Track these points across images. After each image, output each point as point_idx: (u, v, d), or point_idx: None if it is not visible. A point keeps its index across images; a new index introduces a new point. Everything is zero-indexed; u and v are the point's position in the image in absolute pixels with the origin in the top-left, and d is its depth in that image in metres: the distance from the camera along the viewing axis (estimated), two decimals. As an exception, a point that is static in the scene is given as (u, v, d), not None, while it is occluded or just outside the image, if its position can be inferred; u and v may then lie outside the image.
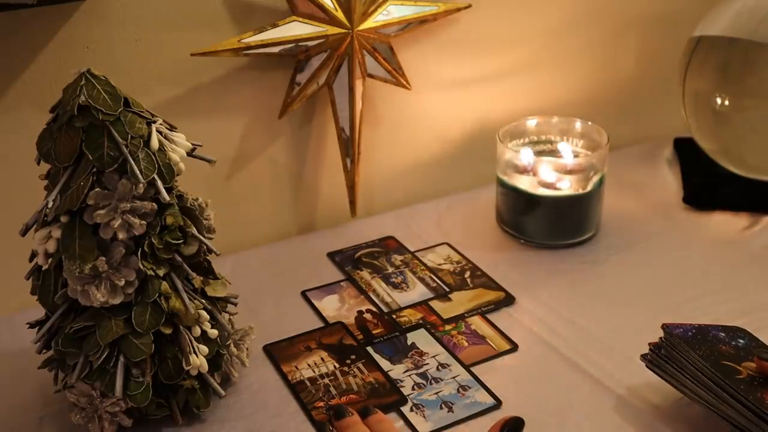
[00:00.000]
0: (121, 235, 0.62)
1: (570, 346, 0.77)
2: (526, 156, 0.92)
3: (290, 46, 0.85)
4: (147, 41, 0.82)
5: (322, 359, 0.77)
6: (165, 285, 0.66)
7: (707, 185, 1.03)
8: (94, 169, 0.62)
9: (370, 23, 0.88)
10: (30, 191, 0.71)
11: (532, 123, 0.98)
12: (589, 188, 0.91)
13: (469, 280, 0.88)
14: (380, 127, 0.99)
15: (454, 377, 0.74)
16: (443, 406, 0.71)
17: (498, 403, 0.71)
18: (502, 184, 0.94)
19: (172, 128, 0.68)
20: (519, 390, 0.72)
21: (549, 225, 0.92)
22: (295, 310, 0.84)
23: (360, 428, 0.64)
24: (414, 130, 1.02)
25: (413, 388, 0.73)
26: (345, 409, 0.66)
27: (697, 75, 0.99)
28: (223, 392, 0.70)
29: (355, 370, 0.75)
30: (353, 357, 0.77)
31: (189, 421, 0.70)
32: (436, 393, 0.72)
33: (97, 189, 0.62)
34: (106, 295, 0.63)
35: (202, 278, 0.70)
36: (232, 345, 0.72)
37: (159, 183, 0.64)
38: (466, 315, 0.82)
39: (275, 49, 0.84)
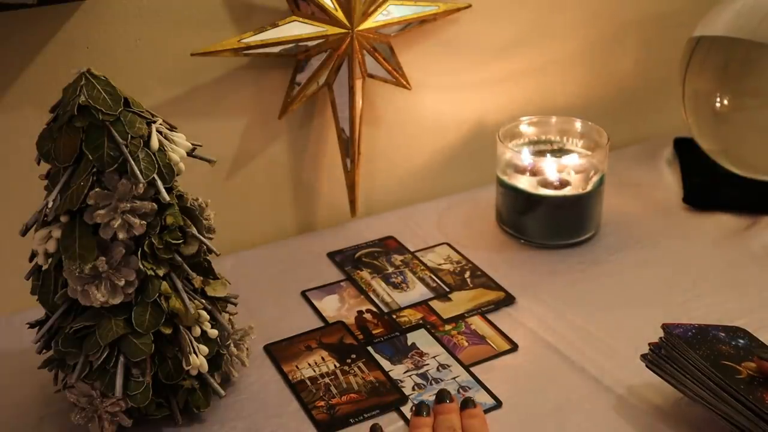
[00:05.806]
0: (121, 235, 0.62)
1: (570, 346, 0.77)
2: (526, 156, 0.92)
3: (290, 46, 0.85)
4: (147, 41, 0.82)
5: (322, 358, 0.77)
6: (165, 285, 0.66)
7: (707, 185, 1.03)
8: (94, 169, 0.62)
9: (370, 23, 0.88)
10: (30, 191, 0.71)
11: (532, 123, 0.98)
12: (589, 188, 0.91)
13: (469, 280, 0.88)
14: (380, 127, 0.99)
15: (454, 377, 0.74)
16: (443, 406, 0.71)
17: (498, 404, 0.71)
18: (502, 184, 0.94)
19: (172, 128, 0.68)
20: (519, 390, 0.72)
21: (549, 225, 0.92)
22: (295, 310, 0.84)
23: (453, 417, 0.66)
24: (414, 130, 1.02)
25: (413, 389, 0.73)
26: (446, 394, 0.69)
27: (697, 75, 0.99)
28: (223, 392, 0.70)
29: (356, 369, 0.75)
30: (353, 356, 0.77)
31: (189, 421, 0.70)
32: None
33: (97, 189, 0.62)
34: (106, 295, 0.63)
35: (202, 278, 0.70)
36: (232, 345, 0.72)
37: (159, 183, 0.64)
38: (466, 315, 0.82)
39: (275, 49, 0.84)
